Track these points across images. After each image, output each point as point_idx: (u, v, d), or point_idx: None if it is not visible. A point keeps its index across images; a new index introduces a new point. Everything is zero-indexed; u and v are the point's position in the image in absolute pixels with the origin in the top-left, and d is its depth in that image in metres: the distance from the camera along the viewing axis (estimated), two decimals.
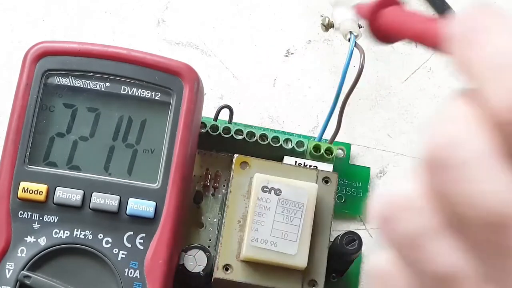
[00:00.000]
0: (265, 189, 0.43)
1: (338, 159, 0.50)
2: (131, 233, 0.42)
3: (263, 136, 0.48)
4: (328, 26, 0.51)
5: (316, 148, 0.48)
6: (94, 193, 0.42)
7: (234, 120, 0.49)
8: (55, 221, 0.42)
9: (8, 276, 0.41)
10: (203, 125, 0.47)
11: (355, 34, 0.49)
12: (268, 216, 0.43)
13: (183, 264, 0.43)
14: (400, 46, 0.55)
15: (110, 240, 0.42)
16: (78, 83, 0.44)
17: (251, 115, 0.52)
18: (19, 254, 0.41)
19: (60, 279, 0.41)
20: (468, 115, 0.21)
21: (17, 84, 0.43)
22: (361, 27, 0.50)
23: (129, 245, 0.42)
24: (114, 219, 0.42)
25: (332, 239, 0.45)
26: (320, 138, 0.50)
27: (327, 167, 0.48)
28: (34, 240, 0.41)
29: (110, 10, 0.54)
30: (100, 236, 0.42)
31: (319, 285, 0.43)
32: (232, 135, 0.48)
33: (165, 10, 0.55)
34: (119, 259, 0.41)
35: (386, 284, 0.24)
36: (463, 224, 0.21)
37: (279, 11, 0.55)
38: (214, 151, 0.49)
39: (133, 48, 0.44)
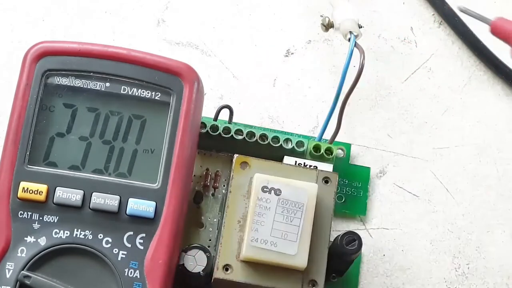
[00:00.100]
0: (265, 189, 0.43)
1: (338, 159, 0.50)
2: (131, 233, 0.42)
3: (263, 136, 0.48)
4: (328, 26, 0.52)
5: (316, 148, 0.48)
6: (94, 193, 0.42)
7: (234, 120, 0.49)
8: (55, 221, 0.42)
9: (8, 276, 0.41)
10: (203, 125, 0.47)
11: (355, 34, 0.49)
12: (268, 216, 0.43)
13: (183, 264, 0.43)
14: (400, 46, 0.55)
15: (110, 240, 0.42)
16: (78, 83, 0.44)
17: (251, 115, 0.52)
18: (19, 254, 0.41)
19: (60, 279, 0.41)
20: None
21: (17, 84, 0.43)
22: (361, 27, 0.50)
23: (129, 245, 0.42)
24: (114, 219, 0.42)
25: (332, 239, 0.45)
26: (320, 138, 0.50)
27: (327, 167, 0.48)
28: (34, 240, 0.41)
29: (110, 10, 0.54)
30: (100, 236, 0.42)
31: (319, 285, 0.43)
32: (232, 135, 0.48)
33: (165, 10, 0.55)
34: (119, 259, 0.42)
35: None
36: None
37: (279, 11, 0.55)
38: (214, 151, 0.49)
39: (133, 48, 0.44)
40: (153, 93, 0.44)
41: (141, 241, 0.42)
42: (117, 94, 0.44)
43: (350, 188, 0.50)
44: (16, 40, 0.53)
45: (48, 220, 0.42)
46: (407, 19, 0.56)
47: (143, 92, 0.44)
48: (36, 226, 0.42)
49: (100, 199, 0.42)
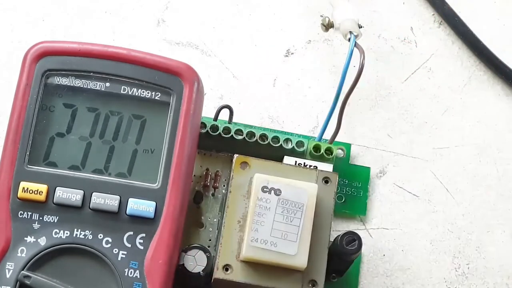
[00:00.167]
0: (265, 189, 0.43)
1: (338, 159, 0.50)
2: (131, 233, 0.42)
3: (263, 136, 0.48)
4: (328, 26, 0.52)
5: (316, 148, 0.48)
6: (94, 193, 0.42)
7: (234, 120, 0.49)
8: (55, 221, 0.42)
9: (8, 276, 0.41)
10: (203, 125, 0.47)
11: (355, 34, 0.49)
12: (268, 216, 0.43)
13: (183, 264, 0.43)
14: (400, 46, 0.55)
15: (110, 240, 0.42)
16: (78, 83, 0.44)
17: (251, 115, 0.52)
18: (19, 254, 0.41)
19: (60, 279, 0.41)
20: None
21: (17, 84, 0.43)
22: (361, 27, 0.50)
23: (129, 245, 0.42)
24: (114, 219, 0.42)
25: (332, 239, 0.45)
26: (320, 138, 0.50)
27: (327, 167, 0.48)
28: (34, 240, 0.41)
29: (110, 10, 0.54)
30: (100, 236, 0.42)
31: (319, 285, 0.43)
32: (232, 135, 0.48)
33: (165, 10, 0.55)
34: (119, 259, 0.42)
35: None
36: None
37: (279, 11, 0.55)
38: (214, 151, 0.49)
39: (133, 48, 0.44)
40: (153, 93, 0.44)
41: (141, 241, 0.42)
42: (117, 94, 0.44)
43: (350, 188, 0.50)
44: (16, 40, 0.53)
45: (48, 220, 0.42)
46: (407, 19, 0.56)
47: (143, 92, 0.44)
48: (36, 226, 0.42)
49: (100, 199, 0.42)
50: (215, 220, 0.48)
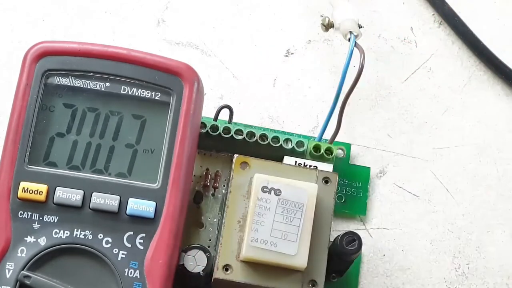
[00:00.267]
0: (265, 189, 0.43)
1: (338, 159, 0.50)
2: (131, 233, 0.42)
3: (263, 136, 0.48)
4: (328, 26, 0.52)
5: (316, 148, 0.48)
6: (94, 193, 0.42)
7: (234, 120, 0.49)
8: (55, 221, 0.42)
9: (8, 276, 0.41)
10: (203, 125, 0.47)
11: (355, 34, 0.49)
12: (268, 216, 0.43)
13: (183, 264, 0.43)
14: (400, 46, 0.55)
15: (110, 240, 0.42)
16: (78, 83, 0.44)
17: (251, 115, 0.52)
18: (19, 254, 0.41)
19: (60, 279, 0.41)
20: None
21: (17, 84, 0.43)
22: (361, 27, 0.50)
23: (129, 245, 0.42)
24: (114, 219, 0.42)
25: (332, 239, 0.45)
26: (320, 138, 0.50)
27: (327, 167, 0.48)
28: (34, 240, 0.41)
29: (110, 10, 0.54)
30: (100, 236, 0.42)
31: (319, 285, 0.43)
32: (232, 135, 0.48)
33: (165, 10, 0.55)
34: (119, 259, 0.42)
35: None
36: None
37: (279, 11, 0.55)
38: (214, 151, 0.49)
39: (133, 48, 0.44)
40: (153, 93, 0.44)
41: (141, 241, 0.42)
42: (117, 94, 0.44)
43: (350, 188, 0.50)
44: (16, 40, 0.53)
45: (48, 220, 0.42)
46: (407, 19, 0.56)
47: (143, 92, 0.44)
48: (36, 226, 0.42)
49: (100, 199, 0.42)
50: (215, 220, 0.48)
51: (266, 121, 0.52)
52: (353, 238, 0.44)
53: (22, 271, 0.41)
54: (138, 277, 0.41)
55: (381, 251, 0.50)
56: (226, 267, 0.43)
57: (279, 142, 0.48)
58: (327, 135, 0.50)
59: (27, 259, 0.41)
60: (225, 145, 0.48)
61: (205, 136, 0.48)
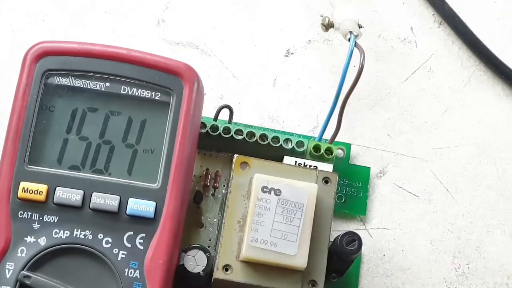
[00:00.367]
0: (265, 189, 0.43)
1: (338, 159, 0.50)
2: (131, 233, 0.42)
3: (263, 136, 0.48)
4: (328, 26, 0.52)
5: (316, 148, 0.48)
6: (94, 193, 0.42)
7: (234, 120, 0.49)
8: (55, 221, 0.42)
9: (8, 276, 0.41)
10: (203, 125, 0.47)
11: (355, 34, 0.49)
12: (268, 216, 0.43)
13: (183, 264, 0.43)
14: (400, 46, 0.55)
15: (110, 240, 0.42)
16: (78, 83, 0.44)
17: (251, 115, 0.52)
18: (19, 254, 0.41)
19: (60, 279, 0.41)
20: None
21: (17, 84, 0.43)
22: (361, 27, 0.50)
23: (129, 245, 0.42)
24: (114, 219, 0.42)
25: (332, 239, 0.45)
26: (320, 138, 0.50)
27: (327, 167, 0.48)
28: (34, 240, 0.41)
29: (110, 10, 0.54)
30: (100, 236, 0.42)
31: (319, 285, 0.43)
32: (232, 135, 0.48)
33: (165, 10, 0.55)
34: (119, 259, 0.42)
35: None
36: None
37: (279, 11, 0.55)
38: (214, 151, 0.49)
39: (133, 48, 0.44)
40: (153, 93, 0.44)
41: (141, 241, 0.42)
42: (117, 94, 0.44)
43: (350, 188, 0.50)
44: (16, 40, 0.53)
45: (48, 220, 0.42)
46: (407, 19, 0.56)
47: (143, 92, 0.44)
48: (36, 226, 0.42)
49: (100, 199, 0.42)
50: (215, 220, 0.48)
51: (266, 121, 0.52)
52: (353, 238, 0.44)
53: (22, 271, 0.41)
54: (138, 277, 0.41)
55: (381, 251, 0.50)
56: (226, 267, 0.43)
57: (279, 142, 0.48)
58: (327, 135, 0.50)
59: (27, 259, 0.41)
60: (225, 145, 0.48)
61: (205, 136, 0.48)
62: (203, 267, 0.43)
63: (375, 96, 0.53)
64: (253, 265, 0.43)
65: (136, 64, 0.44)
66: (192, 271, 0.43)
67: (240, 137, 0.48)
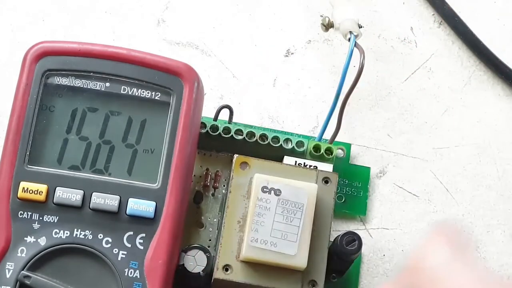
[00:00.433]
0: (265, 189, 0.43)
1: (338, 159, 0.50)
2: (131, 233, 0.42)
3: (263, 136, 0.48)
4: (328, 26, 0.52)
5: (316, 148, 0.48)
6: (94, 193, 0.42)
7: (234, 120, 0.49)
8: (55, 221, 0.42)
9: (8, 276, 0.41)
10: (203, 125, 0.47)
11: (355, 34, 0.49)
12: (268, 216, 0.43)
13: (183, 264, 0.43)
14: (400, 46, 0.55)
15: (110, 240, 0.42)
16: (78, 83, 0.44)
17: (251, 115, 0.52)
18: (19, 254, 0.41)
19: (60, 279, 0.41)
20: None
21: (17, 84, 0.43)
22: (361, 27, 0.50)
23: (129, 245, 0.42)
24: (114, 219, 0.42)
25: (332, 239, 0.45)
26: (320, 138, 0.50)
27: (327, 167, 0.48)
28: (34, 240, 0.41)
29: (110, 10, 0.54)
30: (100, 236, 0.42)
31: (319, 285, 0.43)
32: (232, 135, 0.48)
33: (165, 10, 0.55)
34: (119, 259, 0.42)
35: None
36: None
37: (279, 11, 0.55)
38: (214, 151, 0.49)
39: (133, 48, 0.44)
40: (153, 93, 0.44)
41: (141, 241, 0.42)
42: (117, 94, 0.44)
43: (350, 188, 0.50)
44: (16, 40, 0.53)
45: (48, 220, 0.42)
46: (407, 19, 0.56)
47: (143, 92, 0.44)
48: (36, 226, 0.42)
49: (100, 199, 0.42)
50: (215, 220, 0.48)
51: (266, 121, 0.52)
52: (353, 238, 0.44)
53: (22, 271, 0.41)
54: (138, 277, 0.41)
55: (381, 251, 0.50)
56: (226, 267, 0.43)
57: (279, 142, 0.48)
58: (327, 135, 0.50)
59: (27, 259, 0.41)
60: (225, 145, 0.48)
61: (205, 136, 0.48)
62: (203, 267, 0.43)
63: (375, 96, 0.53)
64: (253, 265, 0.43)
65: (136, 64, 0.44)
66: (192, 271, 0.43)
67: (240, 137, 0.48)
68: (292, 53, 0.54)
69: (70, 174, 0.42)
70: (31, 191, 0.42)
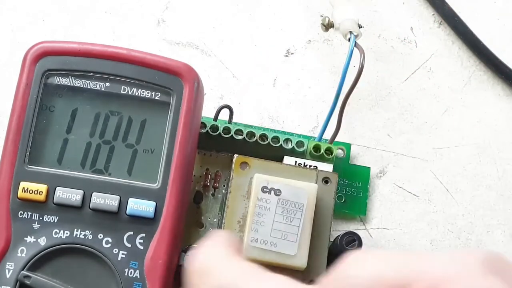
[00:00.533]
0: (265, 189, 0.43)
1: (338, 159, 0.50)
2: (131, 233, 0.42)
3: (263, 136, 0.48)
4: (328, 26, 0.52)
5: (316, 148, 0.48)
6: (94, 193, 0.42)
7: (234, 120, 0.49)
8: (55, 221, 0.42)
9: (8, 276, 0.41)
10: (203, 125, 0.47)
11: (355, 34, 0.49)
12: (268, 216, 0.43)
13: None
14: (400, 46, 0.55)
15: (110, 240, 0.42)
16: (78, 83, 0.44)
17: (251, 115, 0.52)
18: (19, 254, 0.41)
19: (60, 279, 0.41)
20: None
21: (17, 84, 0.43)
22: (361, 27, 0.50)
23: (129, 245, 0.42)
24: (114, 219, 0.42)
25: (332, 239, 0.45)
26: (320, 138, 0.50)
27: (327, 167, 0.48)
28: (34, 240, 0.41)
29: (110, 10, 0.54)
30: (100, 236, 0.42)
31: None
32: (232, 135, 0.48)
33: (165, 10, 0.55)
34: (119, 259, 0.42)
35: None
36: None
37: (279, 11, 0.55)
38: (214, 151, 0.49)
39: (133, 48, 0.44)
40: (153, 93, 0.44)
41: (141, 241, 0.42)
42: (117, 94, 0.44)
43: (350, 188, 0.50)
44: (16, 40, 0.53)
45: (48, 220, 0.42)
46: (407, 19, 0.56)
47: (143, 92, 0.44)
48: (36, 226, 0.42)
49: (100, 199, 0.42)
50: (215, 220, 0.48)
51: (266, 121, 0.52)
52: (353, 238, 0.44)
53: (22, 271, 0.41)
54: (138, 277, 0.41)
55: None
56: None
57: (279, 142, 0.48)
58: (327, 135, 0.50)
59: (27, 259, 0.41)
60: (225, 145, 0.48)
61: (205, 136, 0.48)
62: None
63: (375, 96, 0.53)
64: None
65: (136, 64, 0.44)
66: None
67: (240, 137, 0.48)
68: (292, 53, 0.54)
69: (70, 174, 0.42)
70: (31, 191, 0.42)
